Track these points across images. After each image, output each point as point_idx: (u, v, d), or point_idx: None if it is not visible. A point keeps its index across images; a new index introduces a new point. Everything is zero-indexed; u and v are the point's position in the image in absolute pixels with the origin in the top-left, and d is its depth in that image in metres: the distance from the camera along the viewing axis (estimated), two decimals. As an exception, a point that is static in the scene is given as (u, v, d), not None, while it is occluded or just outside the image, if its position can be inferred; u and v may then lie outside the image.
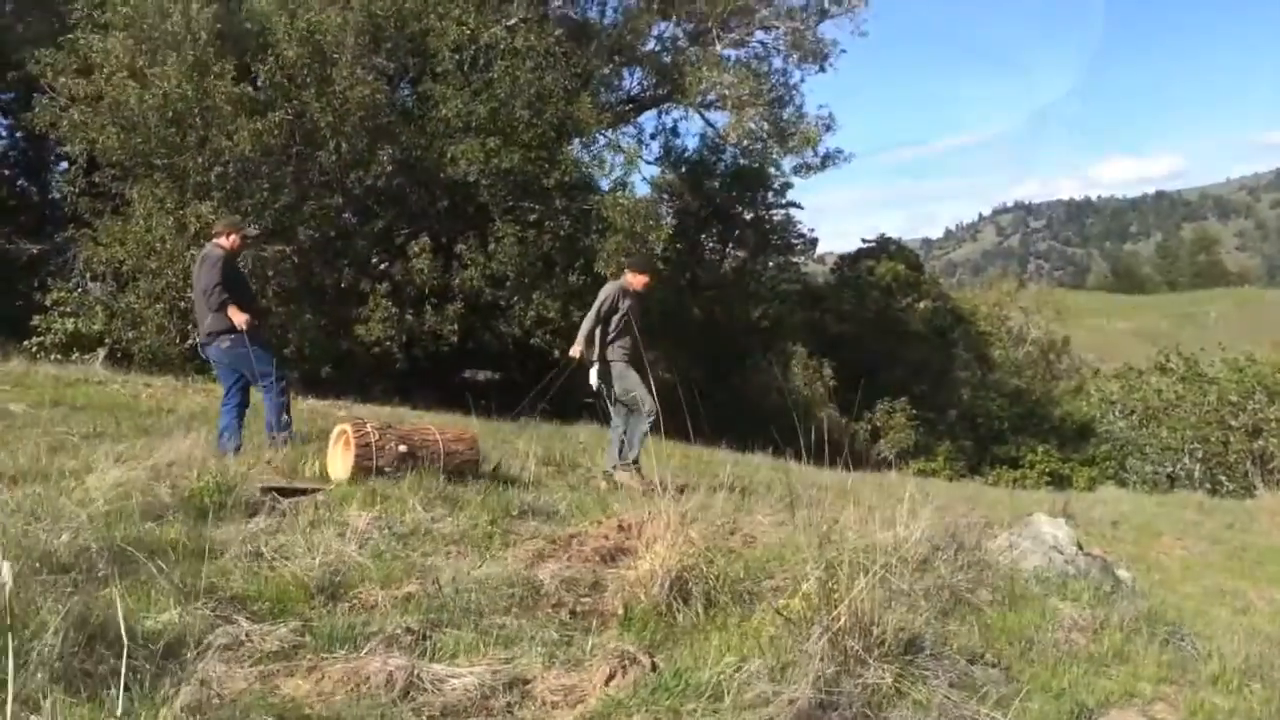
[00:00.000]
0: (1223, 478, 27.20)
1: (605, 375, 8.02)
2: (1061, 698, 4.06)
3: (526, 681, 3.51)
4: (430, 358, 15.13)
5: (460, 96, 15.06)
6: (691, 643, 3.83)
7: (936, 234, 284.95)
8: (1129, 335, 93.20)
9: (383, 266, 14.80)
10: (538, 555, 5.26)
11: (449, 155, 14.91)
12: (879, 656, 3.80)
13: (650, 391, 7.85)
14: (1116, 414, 31.61)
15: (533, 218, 15.55)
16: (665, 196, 24.94)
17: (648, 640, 3.91)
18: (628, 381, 7.97)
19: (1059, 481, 24.88)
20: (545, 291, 15.51)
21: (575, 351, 7.90)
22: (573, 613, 4.36)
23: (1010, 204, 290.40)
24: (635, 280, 8.19)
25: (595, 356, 7.97)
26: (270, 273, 13.56)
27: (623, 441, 8.12)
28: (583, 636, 3.95)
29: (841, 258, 35.60)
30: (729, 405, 21.48)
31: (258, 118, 13.33)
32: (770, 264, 38.01)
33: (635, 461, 7.96)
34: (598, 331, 7.93)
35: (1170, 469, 28.24)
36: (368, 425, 6.28)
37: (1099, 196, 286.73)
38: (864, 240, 35.28)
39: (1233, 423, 27.74)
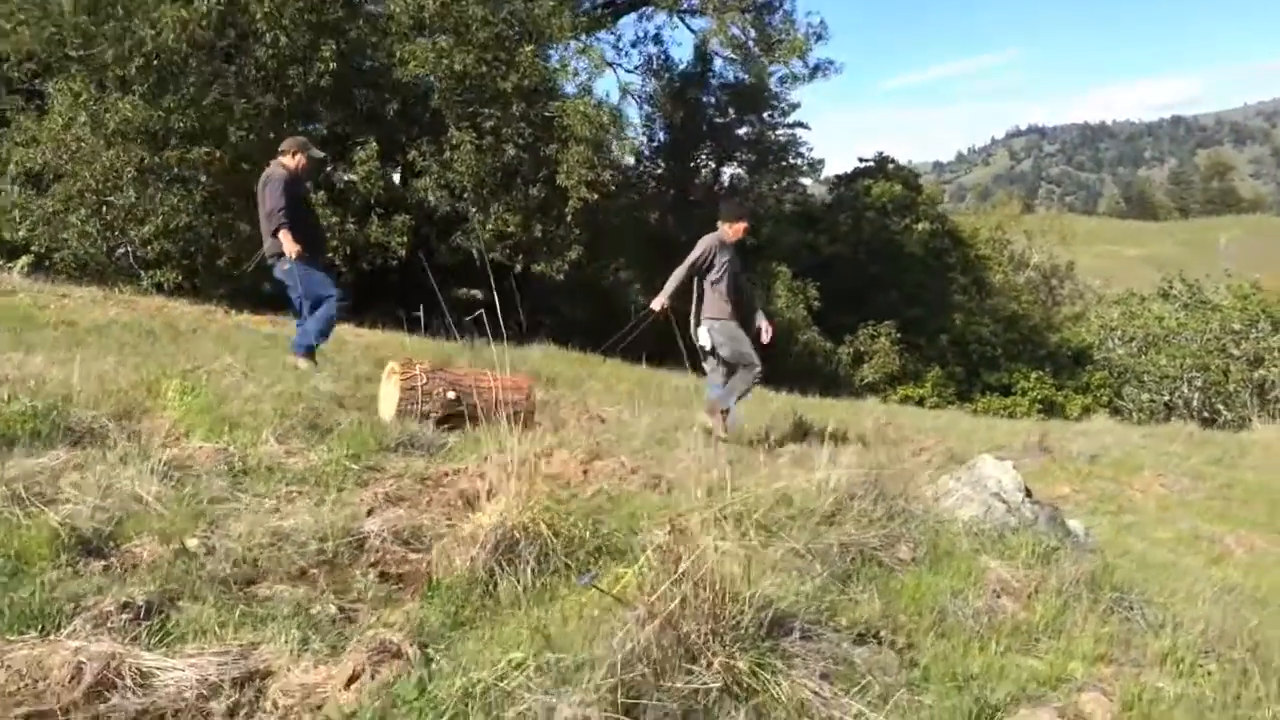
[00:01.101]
0: (1221, 407, 26.54)
1: (714, 333, 7.56)
2: (965, 688, 3.27)
3: (266, 676, 2.74)
4: (382, 272, 14.25)
5: (409, -11, 13.94)
6: (492, 626, 3.07)
7: (948, 157, 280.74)
8: (1138, 262, 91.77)
9: (325, 172, 13.80)
10: (387, 499, 4.46)
11: (397, 56, 13.85)
12: (732, 642, 3.04)
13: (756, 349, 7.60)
14: (1116, 341, 30.84)
15: (490, 125, 14.52)
16: (645, 108, 23.77)
17: (449, 619, 3.15)
18: (740, 343, 7.56)
19: (1051, 409, 24.14)
20: (505, 204, 14.56)
21: (658, 304, 7.41)
22: (383, 576, 3.60)
23: (1024, 127, 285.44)
24: (731, 230, 7.70)
25: (701, 315, 7.54)
26: (202, 177, 12.63)
27: (737, 391, 7.63)
28: (369, 612, 3.18)
29: (839, 177, 34.41)
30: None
31: (183, 5, 12.24)
32: (771, 184, 37.10)
33: (726, 411, 7.52)
34: (703, 289, 7.50)
35: (1168, 397, 27.56)
36: (416, 367, 5.88)
37: (1114, 121, 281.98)
38: (861, 160, 34.04)
39: (1234, 351, 26.97)
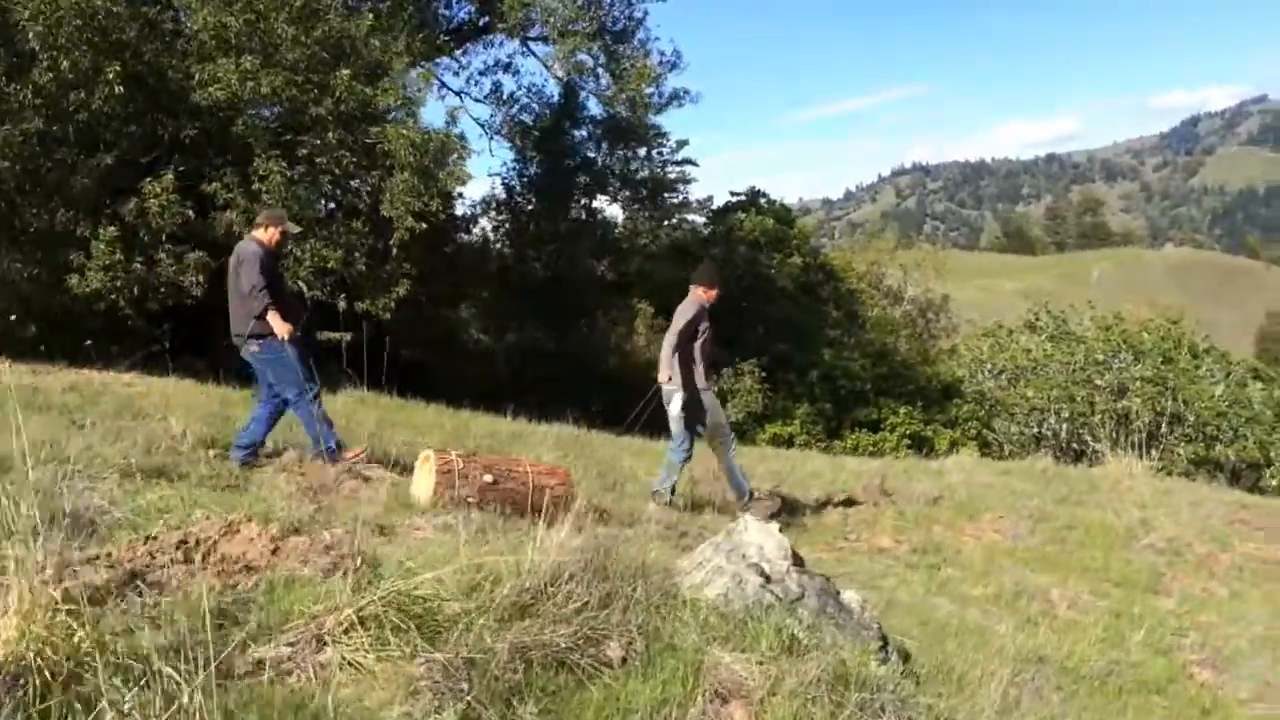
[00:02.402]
0: (1088, 438, 26.70)
1: (692, 404, 7.74)
2: None
3: None
4: (177, 312, 12.91)
5: (210, 6, 12.77)
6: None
7: (837, 195, 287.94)
8: (1016, 295, 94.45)
9: (113, 207, 12.48)
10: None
11: (197, 78, 12.67)
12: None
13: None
14: (986, 373, 30.97)
15: (304, 153, 13.44)
16: (505, 140, 22.92)
17: None
18: (718, 414, 7.89)
19: (920, 445, 23.83)
20: (323, 239, 13.44)
21: (664, 375, 7.60)
22: None
23: (909, 165, 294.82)
24: (708, 295, 7.90)
25: (680, 383, 7.69)
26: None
27: (680, 464, 7.96)
28: None
29: (711, 211, 34.07)
30: (567, 367, 19.78)
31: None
32: (650, 220, 36.66)
33: (753, 495, 7.87)
34: (677, 355, 7.67)
35: (1036, 429, 27.64)
36: (451, 453, 6.24)
37: (993, 159, 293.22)
38: (733, 194, 33.76)
39: (1099, 382, 27.24)
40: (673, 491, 7.91)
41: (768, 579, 4.46)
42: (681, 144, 34.93)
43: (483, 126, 21.97)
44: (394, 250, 13.54)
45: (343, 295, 13.82)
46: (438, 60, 18.93)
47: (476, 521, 5.73)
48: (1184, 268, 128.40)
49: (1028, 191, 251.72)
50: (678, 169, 38.30)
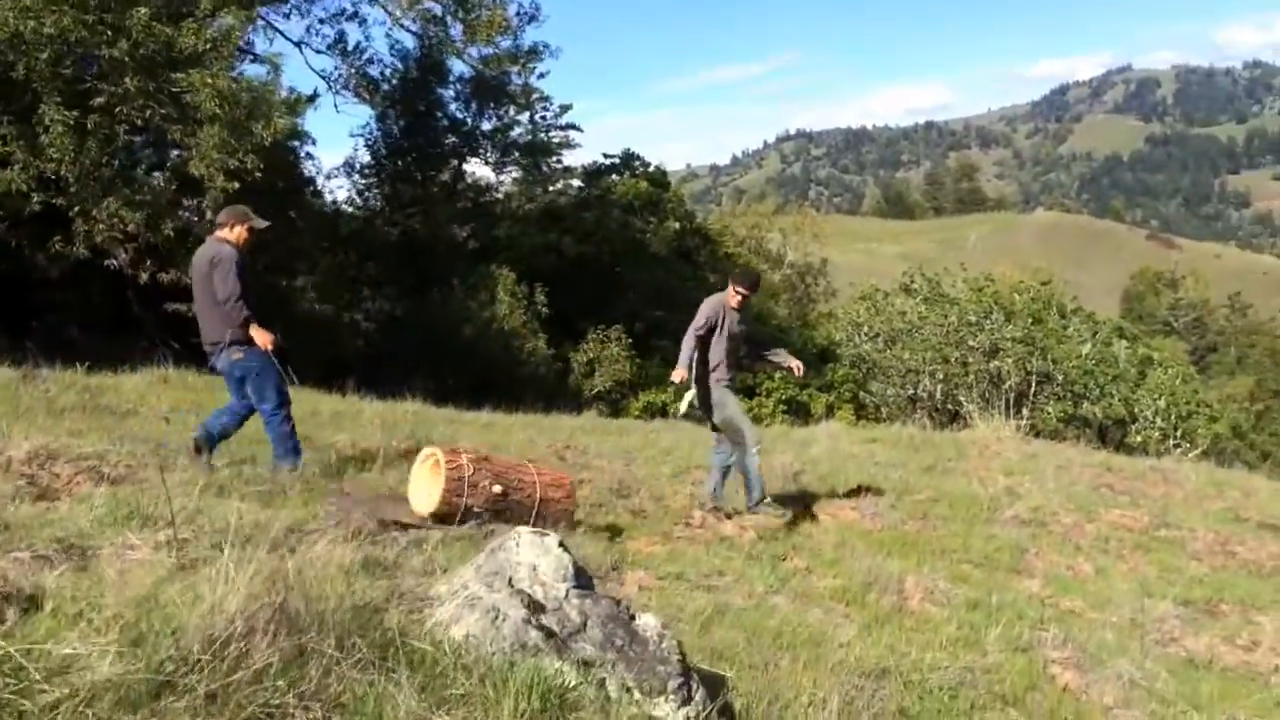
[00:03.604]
0: (962, 398, 26.76)
1: (703, 400, 7.55)
2: None
3: None
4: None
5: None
6: None
7: (724, 161, 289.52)
8: (897, 259, 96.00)
9: None
10: None
11: (-38, 13, 11.00)
12: None
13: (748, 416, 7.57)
14: (862, 336, 30.86)
15: (99, 101, 11.88)
16: (341, 94, 21.32)
17: None
18: (727, 410, 7.50)
19: (796, 409, 23.40)
20: (123, 198, 11.92)
21: (678, 376, 7.19)
22: None
23: (794, 132, 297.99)
24: (735, 296, 7.49)
25: (693, 380, 7.42)
26: None
27: (727, 476, 7.76)
28: None
29: (586, 174, 32.98)
30: (421, 339, 18.52)
31: None
32: (527, 184, 35.40)
33: (764, 499, 7.39)
34: (705, 351, 7.43)
35: (912, 391, 27.62)
36: (462, 456, 5.62)
37: (874, 126, 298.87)
38: (606, 156, 32.71)
39: (971, 343, 27.31)
40: (765, 499, 7.52)
41: (538, 609, 3.54)
42: (565, 108, 33.96)
43: (326, 80, 20.30)
44: (207, 213, 12.08)
45: (149, 263, 12.32)
46: (267, 6, 17.25)
47: (210, 537, 4.69)
48: (1054, 231, 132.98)
49: (907, 158, 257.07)
50: (562, 134, 37.30)
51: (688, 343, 7.35)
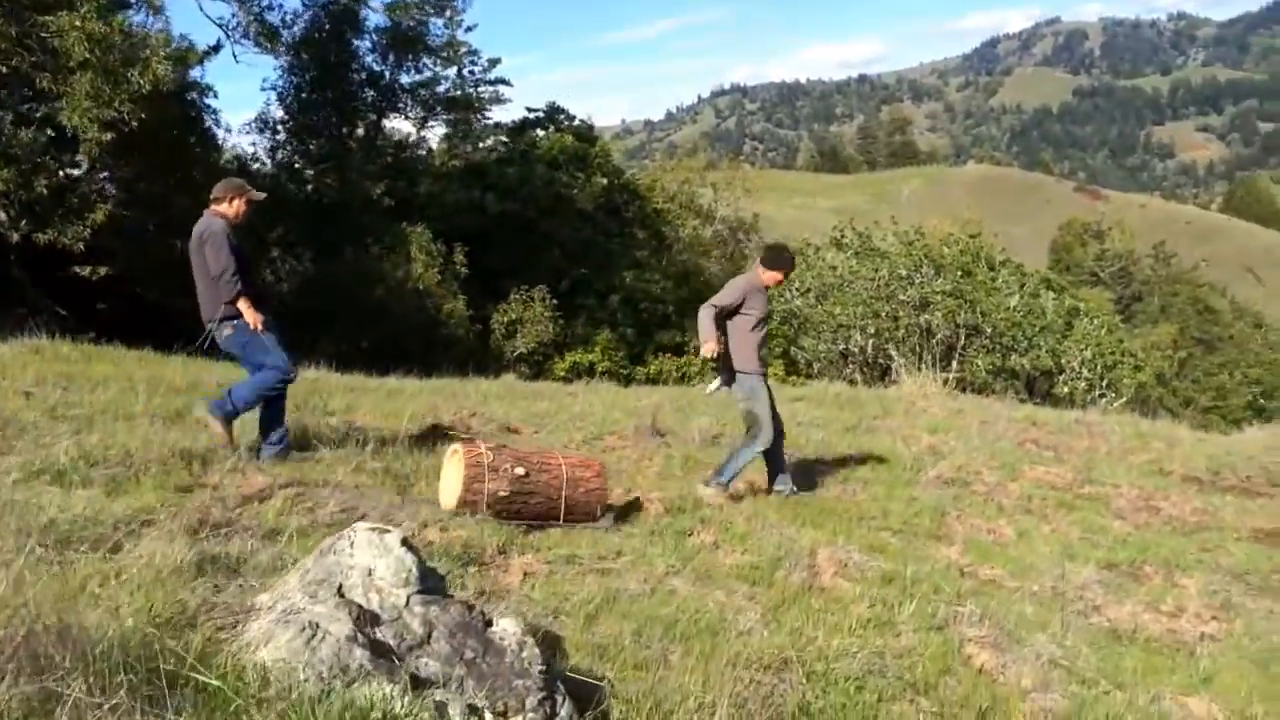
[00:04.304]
0: (893, 352, 26.67)
1: (736, 387, 7.10)
2: None
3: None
4: None
5: None
6: None
7: (659, 116, 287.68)
8: (831, 213, 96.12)
9: None
10: None
11: None
12: None
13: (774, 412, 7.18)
14: (794, 291, 30.62)
15: (-45, 48, 10.91)
16: (240, 43, 20.17)
17: None
18: (756, 403, 7.06)
19: (725, 368, 23.07)
20: (-11, 154, 10.99)
21: (709, 350, 6.82)
22: None
23: (728, 86, 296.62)
24: (768, 275, 7.19)
25: (724, 363, 7.05)
26: None
27: (780, 462, 7.41)
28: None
29: (509, 129, 32.08)
30: (334, 299, 17.72)
31: None
32: (454, 139, 34.47)
33: (727, 485, 7.04)
34: (729, 334, 7.01)
35: (843, 346, 27.47)
36: (481, 445, 5.73)
37: (808, 79, 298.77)
38: (530, 109, 31.82)
39: (902, 297, 27.18)
40: (777, 483, 7.36)
41: (372, 621, 3.04)
42: (494, 63, 33.12)
43: (224, 29, 19.18)
44: (84, 168, 11.20)
45: (25, 222, 11.42)
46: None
47: (16, 538, 4.09)
48: (985, 184, 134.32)
49: (841, 111, 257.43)
50: (491, 89, 36.36)
51: (707, 315, 6.92)
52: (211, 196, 6.42)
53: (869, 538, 6.61)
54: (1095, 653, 4.98)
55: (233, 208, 6.34)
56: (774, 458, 7.35)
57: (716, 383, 7.34)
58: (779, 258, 7.38)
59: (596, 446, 8.63)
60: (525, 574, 4.93)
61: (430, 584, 3.35)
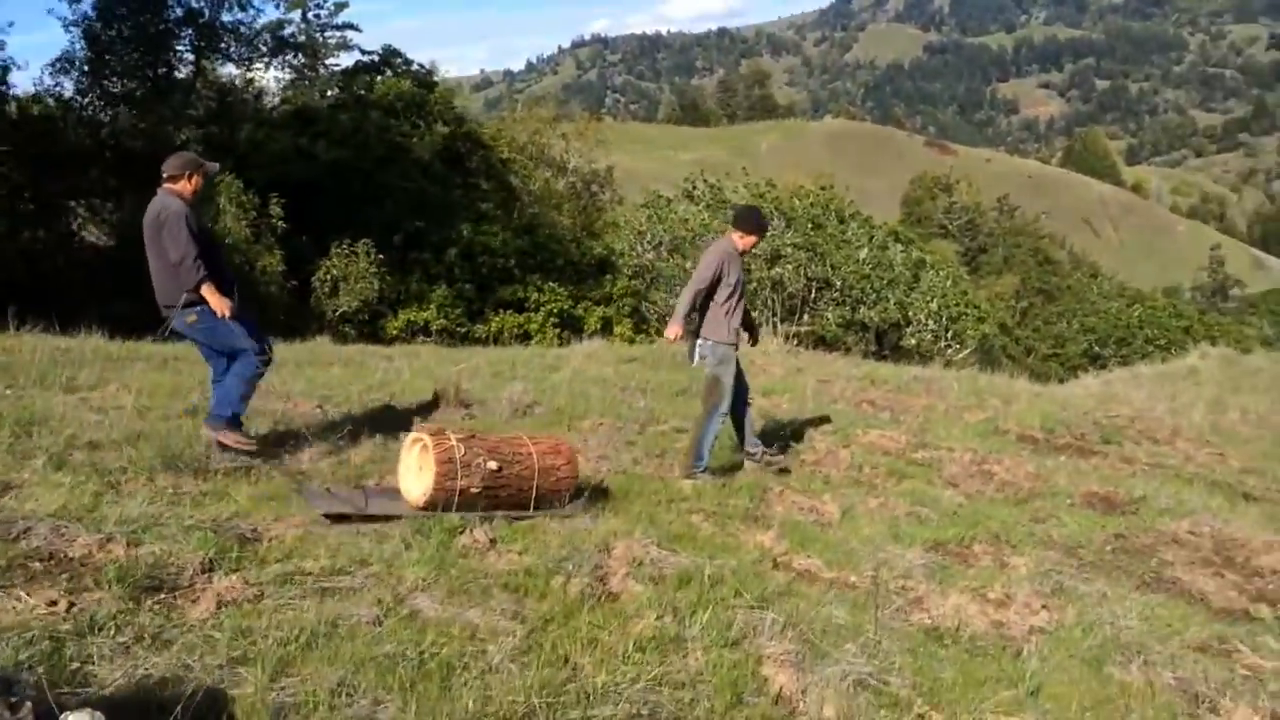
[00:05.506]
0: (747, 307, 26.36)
1: (708, 353, 6.78)
2: None
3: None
4: None
5: None
6: None
7: (519, 66, 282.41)
8: (692, 166, 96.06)
9: None
10: None
11: None
12: None
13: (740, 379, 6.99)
14: (646, 245, 29.92)
15: None
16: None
17: None
18: (724, 371, 6.76)
19: (569, 323, 22.13)
20: None
21: (673, 332, 6.63)
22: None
23: (589, 37, 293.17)
24: (743, 240, 6.87)
25: (693, 330, 6.81)
26: None
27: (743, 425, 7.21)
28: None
29: (341, 73, 30.18)
30: (124, 256, 15.90)
31: None
32: (284, 83, 32.54)
33: (702, 473, 6.70)
34: (707, 304, 6.70)
35: (693, 301, 27.02)
36: (451, 436, 5.18)
37: (669, 31, 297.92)
38: (364, 53, 29.99)
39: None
40: (756, 452, 7.23)
41: None
42: (340, 6, 31.91)
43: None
44: None
45: None
46: None
47: None
48: (841, 138, 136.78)
49: (701, 65, 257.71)
50: (338, 34, 34.33)
51: (687, 296, 6.69)
52: (165, 174, 5.88)
53: (676, 524, 5.81)
54: (912, 661, 4.31)
55: (190, 184, 5.89)
56: (740, 423, 7.18)
57: (696, 355, 6.96)
58: (751, 220, 7.01)
59: (389, 423, 7.54)
60: (220, 603, 3.91)
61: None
